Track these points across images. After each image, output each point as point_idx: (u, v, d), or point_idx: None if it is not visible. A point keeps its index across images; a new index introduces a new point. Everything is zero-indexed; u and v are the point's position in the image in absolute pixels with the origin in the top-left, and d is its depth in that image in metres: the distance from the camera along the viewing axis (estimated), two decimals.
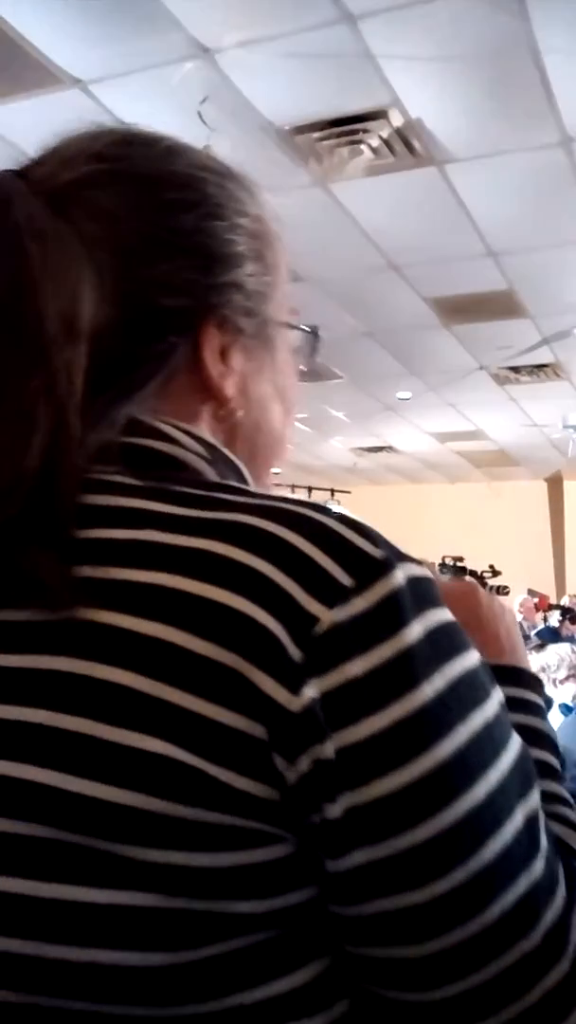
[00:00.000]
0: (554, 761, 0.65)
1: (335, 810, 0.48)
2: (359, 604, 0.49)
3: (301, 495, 2.42)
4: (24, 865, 0.47)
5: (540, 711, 0.67)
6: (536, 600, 9.91)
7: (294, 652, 0.47)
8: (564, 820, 0.60)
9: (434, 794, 0.48)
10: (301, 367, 0.72)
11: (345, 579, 0.49)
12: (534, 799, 0.53)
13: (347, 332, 6.67)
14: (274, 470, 0.73)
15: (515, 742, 0.54)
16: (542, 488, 12.47)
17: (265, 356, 0.66)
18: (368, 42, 3.58)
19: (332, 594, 0.49)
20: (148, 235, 0.60)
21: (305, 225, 4.88)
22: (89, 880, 0.46)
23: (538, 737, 0.64)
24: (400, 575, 0.51)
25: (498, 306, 6.33)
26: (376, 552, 0.51)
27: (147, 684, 0.47)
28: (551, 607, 9.68)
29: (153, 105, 4.01)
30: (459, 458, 11.35)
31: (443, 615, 0.53)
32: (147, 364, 0.60)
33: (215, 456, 0.61)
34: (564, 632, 8.56)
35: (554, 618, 9.06)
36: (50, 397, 0.54)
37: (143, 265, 0.59)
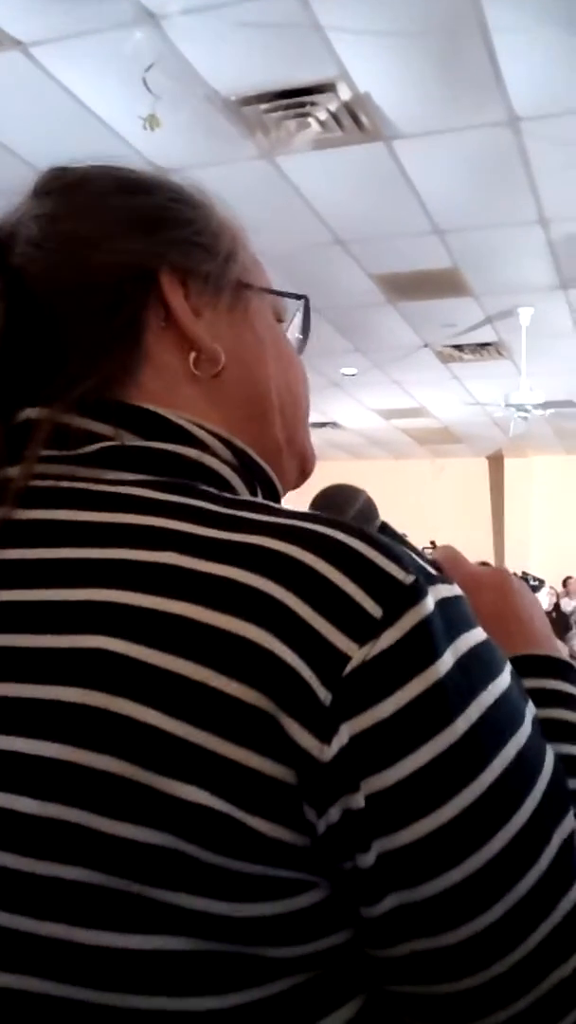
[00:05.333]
0: None
1: (368, 858, 0.46)
2: (389, 637, 0.47)
3: None
4: (56, 909, 0.45)
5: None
6: None
7: (323, 695, 0.46)
8: None
9: (468, 835, 0.47)
10: (296, 336, 0.73)
11: (374, 609, 0.47)
12: (569, 820, 0.51)
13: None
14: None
15: (548, 763, 0.51)
16: (483, 466, 12.61)
17: (243, 314, 0.66)
18: (317, 13, 3.54)
19: (361, 628, 0.47)
20: (86, 218, 0.62)
21: (250, 198, 4.82)
22: (121, 925, 0.45)
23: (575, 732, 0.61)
24: (430, 601, 0.49)
25: (443, 284, 6.36)
26: (406, 578, 0.49)
27: (174, 725, 0.45)
28: None
29: (97, 71, 3.93)
30: (403, 435, 11.42)
31: (474, 637, 0.51)
32: (117, 328, 0.60)
33: (242, 461, 0.60)
34: None
35: None
36: None
37: (87, 246, 0.61)
